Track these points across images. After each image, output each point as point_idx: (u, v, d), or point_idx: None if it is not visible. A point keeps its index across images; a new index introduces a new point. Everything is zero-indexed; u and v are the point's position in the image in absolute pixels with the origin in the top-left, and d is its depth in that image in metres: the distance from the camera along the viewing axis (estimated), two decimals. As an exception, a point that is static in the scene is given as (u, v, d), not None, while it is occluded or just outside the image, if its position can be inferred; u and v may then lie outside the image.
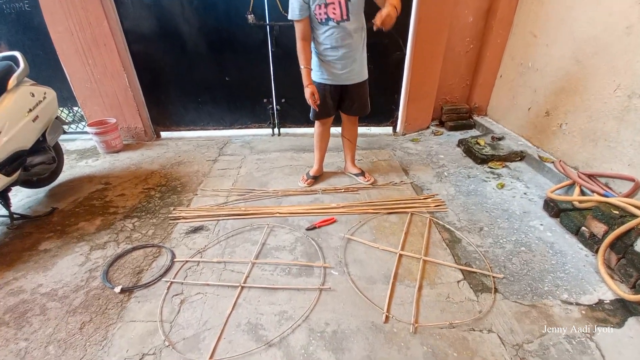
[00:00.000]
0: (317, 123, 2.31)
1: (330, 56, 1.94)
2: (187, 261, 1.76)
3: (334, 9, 1.79)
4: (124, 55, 2.94)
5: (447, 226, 1.98)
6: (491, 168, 2.60)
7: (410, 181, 2.48)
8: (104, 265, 1.75)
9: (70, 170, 2.81)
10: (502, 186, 2.35)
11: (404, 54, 3.05)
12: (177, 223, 2.07)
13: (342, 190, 2.35)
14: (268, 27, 2.89)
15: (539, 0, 2.65)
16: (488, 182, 2.42)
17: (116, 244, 1.91)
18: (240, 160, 2.88)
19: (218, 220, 2.08)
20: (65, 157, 3.03)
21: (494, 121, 3.28)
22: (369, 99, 2.21)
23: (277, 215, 2.10)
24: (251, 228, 2.00)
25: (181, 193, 2.40)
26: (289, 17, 1.86)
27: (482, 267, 1.68)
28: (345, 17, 1.81)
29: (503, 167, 2.60)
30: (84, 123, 3.41)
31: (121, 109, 3.15)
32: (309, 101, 1.98)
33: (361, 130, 3.30)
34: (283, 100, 3.24)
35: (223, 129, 3.42)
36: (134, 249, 1.86)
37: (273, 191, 2.36)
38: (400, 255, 1.76)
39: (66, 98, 3.27)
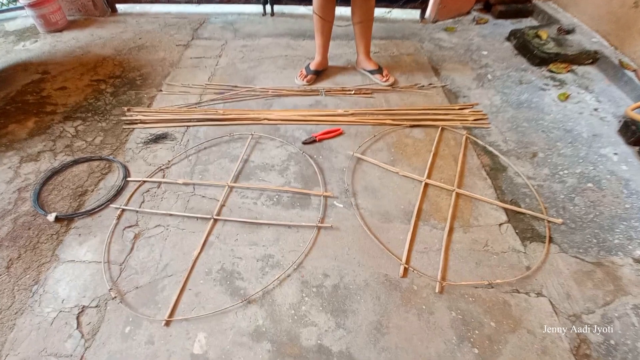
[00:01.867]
0: None
1: None
2: (144, 181, 1.33)
3: None
4: None
5: (489, 148, 1.50)
6: (552, 72, 1.96)
7: (441, 84, 1.88)
8: (35, 184, 1.33)
9: (5, 56, 2.15)
10: (566, 97, 1.77)
11: None
12: (134, 129, 1.57)
13: (352, 92, 1.78)
14: None
15: None
16: (547, 91, 1.83)
17: (53, 155, 1.45)
18: (221, 46, 2.19)
19: (187, 126, 1.58)
20: (2, 39, 2.36)
21: (561, 7, 2.44)
22: None
23: (265, 122, 1.59)
24: (230, 138, 1.52)
25: (141, 88, 1.83)
26: None
27: (534, 207, 1.27)
28: None
29: (568, 71, 1.96)
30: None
31: (53, -36, 2.27)
32: None
33: (379, 12, 2.50)
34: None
35: (198, 2, 2.59)
36: (76, 162, 1.41)
37: (261, 89, 1.79)
38: (426, 185, 1.33)
39: None
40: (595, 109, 1.71)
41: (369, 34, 1.81)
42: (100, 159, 1.43)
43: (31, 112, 1.68)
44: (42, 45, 2.23)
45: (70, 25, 2.44)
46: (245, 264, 1.08)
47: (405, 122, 1.59)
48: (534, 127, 1.61)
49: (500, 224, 1.21)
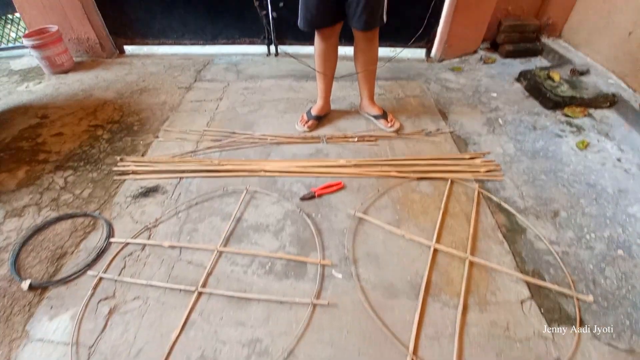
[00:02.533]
0: (316, 36, 1.55)
1: None
2: (127, 243, 1.23)
3: None
4: None
5: (505, 205, 1.37)
6: (568, 116, 1.85)
7: (449, 129, 1.78)
8: (15, 244, 1.24)
9: (7, 97, 2.16)
10: (585, 146, 1.65)
11: None
12: (125, 180, 1.50)
13: (355, 140, 1.70)
14: None
15: None
16: (564, 138, 1.71)
17: (37, 210, 1.38)
18: (222, 88, 2.16)
19: (180, 178, 1.50)
20: (6, 79, 2.40)
21: (572, 46, 2.37)
22: (385, 6, 1.42)
23: (262, 174, 1.50)
24: (224, 193, 1.43)
25: (138, 134, 1.78)
26: None
27: (560, 279, 1.12)
28: None
29: (585, 115, 1.85)
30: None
31: (64, 12, 2.33)
32: None
33: (383, 51, 2.46)
34: (281, 5, 2.34)
35: (204, 43, 2.61)
36: (59, 219, 1.33)
37: (260, 137, 1.72)
38: (436, 251, 1.20)
39: (7, 4, 2.48)
40: (619, 159, 1.58)
41: (372, 79, 1.75)
42: (85, 215, 1.35)
43: (23, 161, 1.63)
44: (45, 88, 2.24)
45: (77, 67, 2.47)
46: (229, 352, 0.95)
47: (411, 175, 1.48)
48: (552, 180, 1.48)
49: (523, 301, 1.06)
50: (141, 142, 1.72)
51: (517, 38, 2.45)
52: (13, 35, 2.91)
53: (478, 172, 1.52)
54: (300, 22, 1.47)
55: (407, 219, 1.32)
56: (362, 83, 1.75)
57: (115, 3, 2.39)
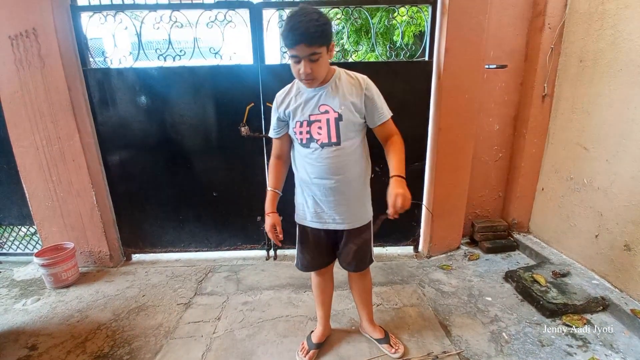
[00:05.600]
0: (312, 274, 1.69)
1: (315, 188, 1.42)
2: None
3: (320, 128, 1.33)
4: (95, 170, 2.50)
5: None
6: (568, 326, 1.85)
7: (456, 351, 1.72)
8: None
9: (2, 316, 2.12)
10: (600, 369, 1.58)
11: (424, 165, 2.59)
12: None
13: (361, 375, 1.59)
14: (264, 139, 2.50)
15: (581, 110, 2.27)
16: (574, 357, 1.65)
17: None
18: (221, 304, 2.17)
19: None
20: (6, 291, 2.41)
21: (544, 242, 2.64)
22: (372, 248, 1.62)
23: None
24: None
25: (125, 374, 1.65)
26: (269, 134, 1.56)
27: None
28: (334, 139, 1.33)
29: (585, 324, 1.85)
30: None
31: (84, 230, 2.59)
32: (270, 234, 1.50)
33: (375, 251, 2.66)
34: (281, 219, 2.67)
35: (207, 250, 2.81)
36: None
37: (258, 374, 1.60)
38: None
39: (26, 216, 2.76)
40: (640, 386, 1.48)
41: (370, 302, 1.79)
42: None
43: None
44: (42, 307, 2.21)
45: (80, 279, 2.53)
46: None
47: None
48: None
49: None
50: (127, 387, 1.57)
51: (491, 236, 2.74)
52: (24, 231, 3.01)
53: (501, 417, 1.37)
54: (297, 265, 1.63)
55: None
56: (359, 306, 1.79)
57: (133, 221, 2.70)
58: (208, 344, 1.82)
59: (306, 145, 1.38)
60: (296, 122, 1.37)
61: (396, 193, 1.24)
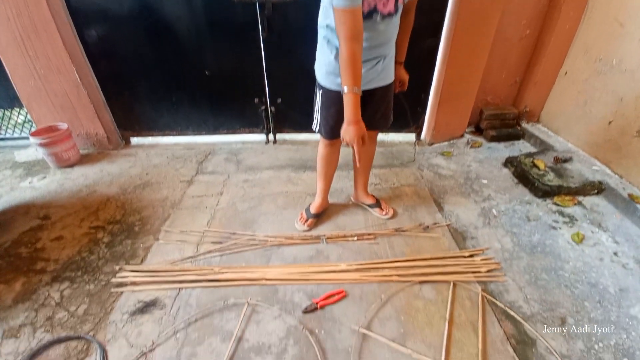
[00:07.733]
0: (324, 142, 1.64)
1: (367, 54, 1.31)
2: (121, 375, 1.17)
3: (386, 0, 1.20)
4: (71, 44, 2.25)
5: (510, 312, 1.34)
6: (558, 205, 1.92)
7: (446, 222, 1.83)
8: (2, 376, 1.17)
9: (9, 194, 2.20)
10: (581, 239, 1.68)
11: (438, 41, 2.31)
12: (122, 292, 1.47)
13: (355, 239, 1.72)
14: (258, 5, 2.16)
15: (635, -30, 1.87)
16: (558, 230, 1.76)
17: (33, 330, 1.32)
18: (223, 181, 2.24)
19: (180, 289, 1.47)
20: (9, 172, 2.45)
21: (551, 131, 2.55)
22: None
23: (264, 282, 1.49)
24: (224, 307, 1.39)
25: (138, 236, 1.79)
26: (334, 4, 1.08)
27: (581, 408, 1.06)
28: (393, 10, 1.24)
29: (575, 204, 1.92)
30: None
31: (75, 111, 2.49)
32: (353, 144, 1.26)
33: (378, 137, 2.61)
34: (279, 101, 2.54)
35: (206, 134, 2.76)
36: (52, 343, 1.27)
37: (261, 239, 1.73)
38: (446, 374, 1.14)
39: (13, 98, 2.63)
40: (615, 253, 1.60)
41: (368, 172, 1.85)
42: (79, 338, 1.29)
43: (21, 271, 1.61)
44: (50, 183, 2.29)
45: (83, 160, 2.56)
46: None
47: (413, 279, 1.48)
48: (555, 280, 1.48)
49: None
50: (141, 246, 1.73)
51: (498, 124, 2.64)
52: (22, 118, 2.98)
53: (479, 272, 1.52)
54: (321, 132, 1.54)
55: (413, 332, 1.28)
56: (358, 176, 1.84)
57: (124, 103, 2.58)
58: (212, 214, 1.93)
59: (368, 17, 1.21)
60: None
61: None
